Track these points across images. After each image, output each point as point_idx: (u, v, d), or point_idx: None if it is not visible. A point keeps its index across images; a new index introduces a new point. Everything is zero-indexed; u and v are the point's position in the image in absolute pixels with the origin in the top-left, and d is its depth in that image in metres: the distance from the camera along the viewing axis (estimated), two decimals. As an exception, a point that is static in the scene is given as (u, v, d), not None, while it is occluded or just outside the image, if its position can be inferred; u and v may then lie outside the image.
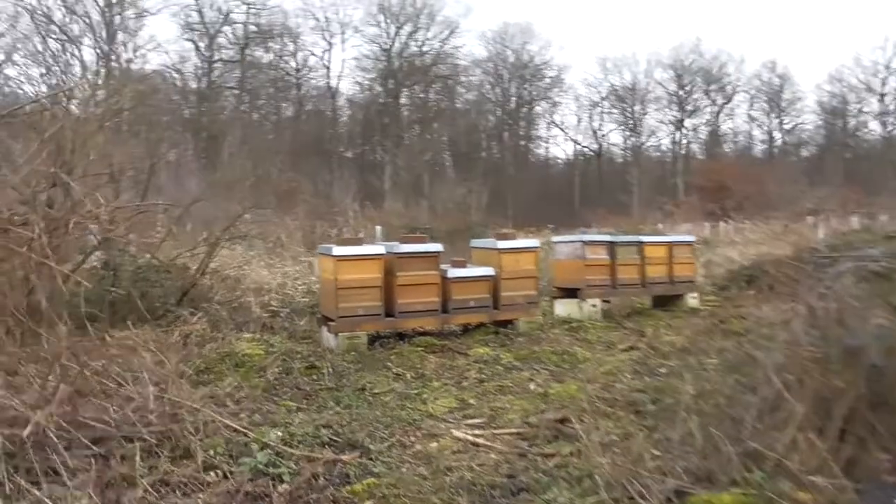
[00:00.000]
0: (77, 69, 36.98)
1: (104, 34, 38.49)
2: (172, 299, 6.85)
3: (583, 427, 3.69)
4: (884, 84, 45.97)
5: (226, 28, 43.13)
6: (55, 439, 2.95)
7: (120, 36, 38.58)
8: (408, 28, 45.90)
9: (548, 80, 50.81)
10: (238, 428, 3.43)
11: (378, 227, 15.57)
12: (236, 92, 44.90)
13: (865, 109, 48.18)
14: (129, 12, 38.30)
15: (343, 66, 60.55)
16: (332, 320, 6.15)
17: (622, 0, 64.37)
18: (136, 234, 8.32)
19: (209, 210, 10.82)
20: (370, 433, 3.79)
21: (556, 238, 9.20)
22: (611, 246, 8.26)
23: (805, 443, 2.59)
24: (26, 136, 5.07)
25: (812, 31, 67.36)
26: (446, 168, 45.59)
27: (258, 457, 3.19)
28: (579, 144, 52.94)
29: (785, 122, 51.27)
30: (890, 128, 47.12)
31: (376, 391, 4.72)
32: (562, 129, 53.35)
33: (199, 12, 42.07)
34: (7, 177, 3.91)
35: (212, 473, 3.03)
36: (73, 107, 7.23)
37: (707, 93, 50.84)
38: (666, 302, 8.61)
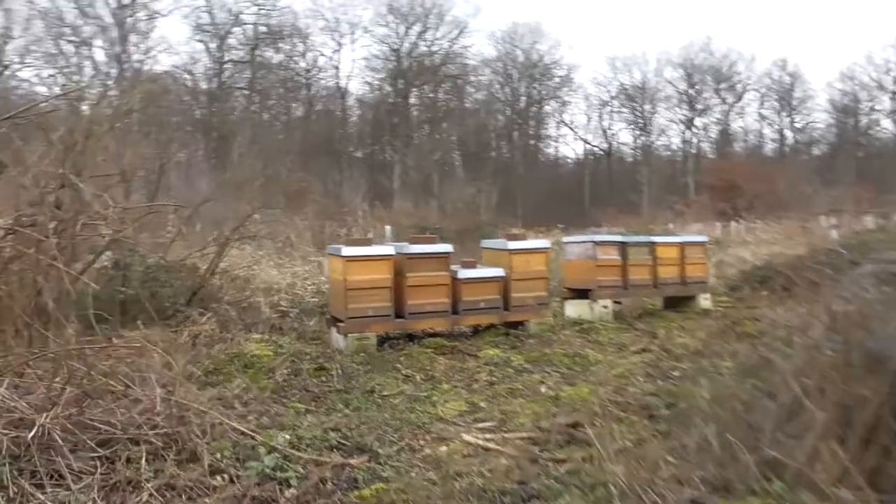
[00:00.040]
0: (89, 71, 37.15)
1: (116, 36, 38.68)
2: (182, 299, 6.82)
3: (595, 432, 3.63)
4: (896, 82, 45.62)
5: (236, 29, 43.24)
6: (60, 442, 2.91)
7: (132, 37, 38.76)
8: (417, 28, 45.87)
9: (557, 80, 50.68)
10: (245, 431, 3.38)
11: (387, 227, 15.54)
12: (246, 92, 45.02)
13: (877, 107, 47.83)
14: (141, 14, 38.46)
15: (353, 66, 60.56)
16: (341, 321, 6.11)
17: (632, -1, 64.05)
18: (146, 234, 8.32)
19: (219, 210, 10.81)
20: (379, 436, 3.74)
21: (566, 238, 9.13)
22: (622, 246, 8.18)
23: (827, 452, 2.51)
24: (36, 137, 5.05)
25: (823, 28, 66.91)
26: (456, 168, 45.55)
27: (265, 460, 3.14)
28: (589, 144, 52.79)
29: (796, 120, 50.95)
30: (902, 126, 46.75)
31: (385, 393, 4.67)
32: (571, 129, 53.11)
33: (210, 13, 42.20)
34: (15, 178, 3.89)
35: (218, 477, 2.99)
36: (83, 107, 7.22)
37: (717, 91, 50.56)
38: (678, 303, 8.53)
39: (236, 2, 42.80)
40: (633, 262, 8.16)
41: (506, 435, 3.87)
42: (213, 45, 42.89)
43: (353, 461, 3.32)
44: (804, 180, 31.39)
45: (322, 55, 46.07)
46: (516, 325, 6.70)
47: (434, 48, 46.35)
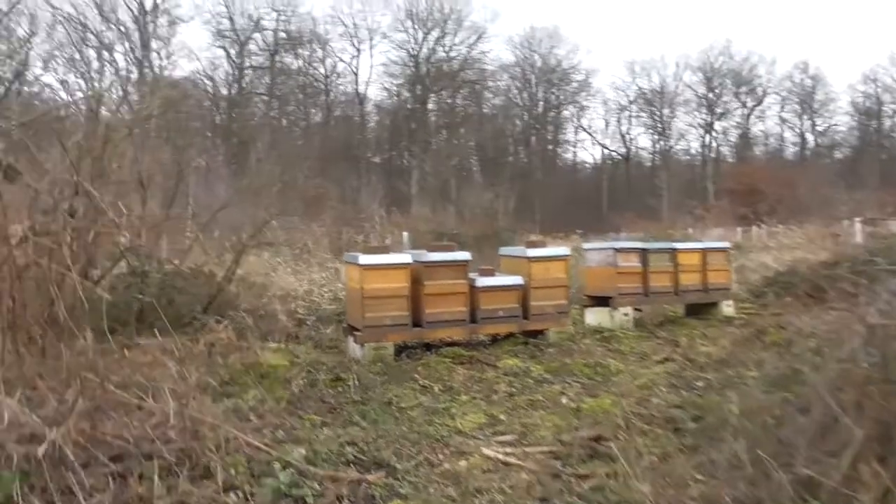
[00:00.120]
0: (110, 76, 37.59)
1: (138, 41, 39.11)
2: (199, 307, 6.79)
3: (619, 446, 3.52)
4: (920, 84, 44.95)
5: (256, 35, 43.59)
6: (72, 457, 2.85)
7: (153, 43, 39.17)
8: (435, 33, 45.96)
9: (575, 85, 50.52)
10: (260, 446, 3.31)
11: (405, 233, 15.49)
12: (266, 98, 45.33)
13: (901, 110, 47.13)
14: (162, 20, 38.86)
15: (371, 71, 60.62)
16: (358, 330, 6.04)
17: (650, 3, 63.82)
18: (164, 240, 8.32)
19: (237, 216, 10.81)
20: (396, 451, 3.65)
21: (587, 245, 9.02)
22: (643, 253, 8.05)
23: (867, 472, 2.39)
24: (53, 143, 5.04)
25: (845, 30, 66.16)
26: (473, 173, 45.52)
27: (280, 477, 3.06)
28: (607, 149, 52.53)
29: (817, 123, 50.36)
30: (927, 129, 46.06)
31: (403, 405, 4.58)
32: (589, 134, 52.89)
33: (231, 19, 42.61)
34: (30, 185, 3.86)
35: (232, 494, 2.91)
36: (103, 112, 7.23)
37: (737, 95, 50.13)
38: (699, 310, 8.38)
39: (256, 8, 43.14)
40: (654, 268, 8.03)
41: (526, 449, 3.77)
42: (233, 51, 43.26)
43: (370, 477, 3.24)
44: (826, 184, 30.97)
45: (341, 61, 46.31)
46: (535, 333, 6.59)
47: (452, 53, 46.42)
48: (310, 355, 5.79)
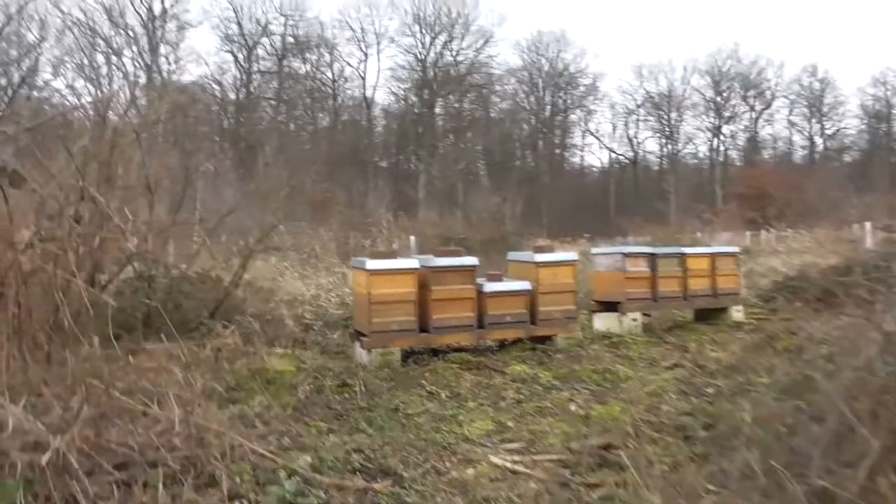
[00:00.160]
0: (119, 81, 37.80)
1: (146, 46, 39.32)
2: (206, 311, 6.77)
3: (629, 455, 3.47)
4: (931, 87, 44.71)
5: (264, 39, 43.77)
6: (76, 465, 2.82)
7: (162, 48, 39.37)
8: (443, 38, 46.04)
9: (583, 89, 50.52)
10: (265, 454, 3.27)
11: (412, 238, 15.45)
12: (273, 102, 45.47)
13: (911, 112, 46.89)
14: (171, 24, 39.06)
15: (378, 76, 60.86)
16: (364, 335, 6.01)
17: (658, 6, 63.76)
18: (171, 245, 8.32)
19: (244, 221, 10.79)
20: (403, 458, 3.61)
21: (595, 250, 8.97)
22: (652, 258, 8.00)
23: (885, 483, 2.33)
24: (60, 148, 5.03)
25: (854, 33, 65.87)
26: (480, 177, 45.50)
27: (286, 485, 3.03)
28: (615, 152, 52.43)
29: (826, 127, 50.13)
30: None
31: (410, 412, 4.54)
32: (597, 138, 52.82)
33: (239, 24, 42.81)
34: (35, 190, 3.84)
35: (237, 503, 2.88)
36: (111, 116, 7.23)
37: (745, 99, 49.99)
38: (708, 315, 8.32)
39: (265, 12, 43.33)
40: (662, 273, 7.98)
41: (535, 457, 3.72)
42: (241, 56, 43.43)
43: (376, 485, 3.20)
44: (836, 188, 30.78)
45: (349, 65, 46.42)
46: (543, 339, 6.55)
47: (459, 58, 46.49)
48: (316, 361, 5.76)
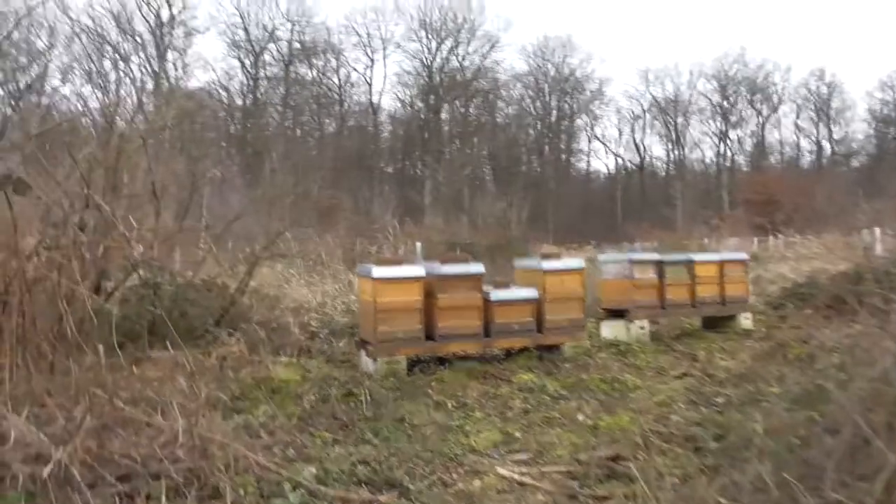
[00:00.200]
0: (126, 87, 38.01)
1: (154, 52, 39.51)
2: (211, 319, 6.74)
3: (638, 466, 3.42)
4: (939, 91, 44.50)
5: (271, 45, 43.94)
6: (78, 477, 2.79)
7: (169, 54, 39.57)
8: (449, 43, 46.14)
9: (589, 94, 50.51)
10: (269, 466, 3.23)
11: (418, 244, 15.40)
12: (280, 108, 45.61)
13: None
14: (179, 31, 39.26)
15: (385, 81, 60.97)
16: (370, 344, 5.96)
17: (664, 11, 63.76)
18: (178, 251, 8.30)
19: (251, 227, 10.79)
20: (409, 470, 3.56)
21: (602, 257, 8.90)
22: (659, 265, 7.93)
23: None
24: (66, 156, 5.02)
25: (862, 37, 65.71)
26: (486, 182, 45.49)
27: (290, 498, 2.99)
28: (621, 158, 52.37)
29: (834, 131, 49.97)
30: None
31: (416, 422, 4.49)
32: (603, 143, 52.78)
33: (246, 30, 42.99)
34: (40, 198, 3.82)
35: (241, 516, 2.84)
36: (118, 122, 7.23)
37: (752, 103, 49.88)
38: (717, 323, 8.24)
39: (271, 19, 43.52)
40: (670, 280, 7.91)
41: (542, 468, 3.67)
42: (248, 62, 43.60)
43: (382, 498, 3.16)
44: (844, 193, 30.64)
45: (355, 70, 46.55)
46: (551, 348, 6.49)
47: (465, 63, 46.56)
48: (322, 370, 5.73)
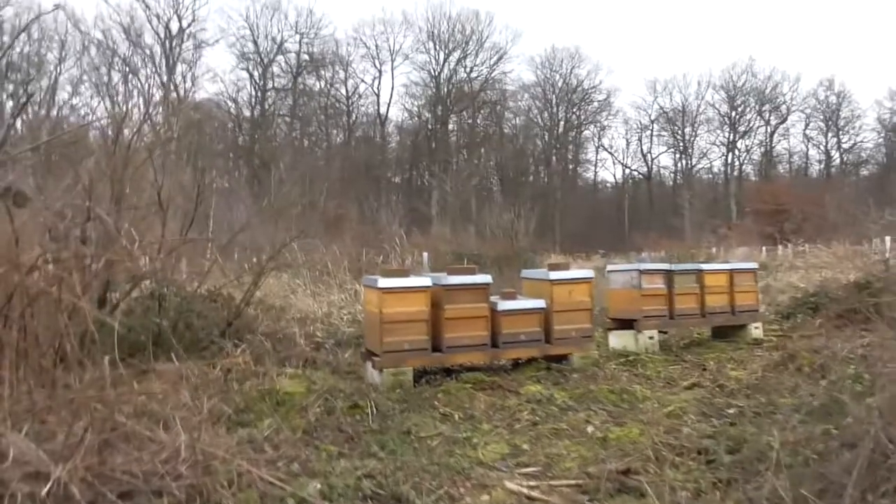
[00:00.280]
0: (136, 99, 38.27)
1: (163, 64, 39.78)
2: (216, 330, 6.70)
3: (649, 480, 3.35)
4: (949, 99, 44.30)
5: (279, 57, 44.19)
6: (78, 495, 2.73)
7: (178, 66, 39.84)
8: (457, 54, 46.31)
9: (596, 104, 50.55)
10: (273, 481, 3.17)
11: (425, 254, 15.36)
12: (288, 119, 45.81)
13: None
14: (188, 43, 39.54)
15: (392, 92, 61.14)
16: (376, 355, 5.90)
17: (672, 22, 63.73)
18: (184, 262, 8.27)
19: (258, 237, 10.76)
20: (416, 484, 3.49)
21: (610, 266, 8.83)
22: (668, 274, 7.86)
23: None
24: (70, 167, 5.01)
25: (871, 46, 65.56)
26: (494, 193, 45.45)
27: (294, 514, 2.93)
28: (629, 168, 52.29)
29: (843, 140, 49.76)
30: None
31: (422, 434, 4.42)
32: (610, 153, 52.79)
33: (255, 42, 43.24)
34: (41, 210, 3.79)
35: (243, 533, 2.78)
36: (126, 133, 7.21)
37: (760, 113, 49.78)
38: (726, 332, 8.15)
39: (280, 31, 43.78)
40: (679, 290, 7.83)
41: (551, 482, 3.60)
42: (256, 73, 43.84)
43: (387, 514, 3.09)
44: (854, 202, 30.46)
45: (363, 82, 46.73)
46: (559, 358, 6.41)
47: (473, 74, 46.72)
48: (327, 381, 5.65)
